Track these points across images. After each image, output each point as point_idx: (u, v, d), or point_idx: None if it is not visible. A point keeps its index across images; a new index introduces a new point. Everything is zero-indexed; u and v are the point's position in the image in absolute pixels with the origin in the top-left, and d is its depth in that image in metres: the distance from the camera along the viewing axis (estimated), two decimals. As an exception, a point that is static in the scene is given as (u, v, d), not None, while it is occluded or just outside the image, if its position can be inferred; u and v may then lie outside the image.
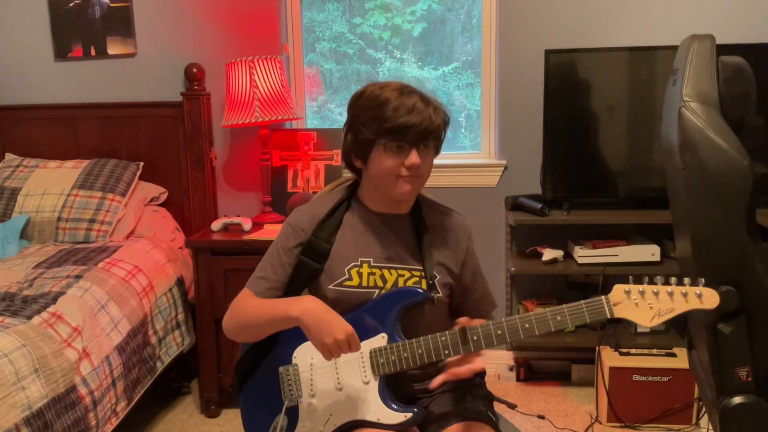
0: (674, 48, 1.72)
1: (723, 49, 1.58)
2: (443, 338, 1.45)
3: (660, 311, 1.35)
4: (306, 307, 1.45)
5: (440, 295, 1.58)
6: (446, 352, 1.45)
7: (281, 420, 1.54)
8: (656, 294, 1.35)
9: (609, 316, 1.39)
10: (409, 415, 1.47)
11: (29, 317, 2.12)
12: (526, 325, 1.41)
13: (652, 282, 1.37)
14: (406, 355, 1.47)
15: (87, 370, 2.19)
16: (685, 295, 1.34)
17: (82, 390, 2.15)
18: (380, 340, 1.50)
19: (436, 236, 1.62)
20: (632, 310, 1.37)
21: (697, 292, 1.34)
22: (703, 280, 1.36)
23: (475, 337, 1.43)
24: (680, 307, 1.35)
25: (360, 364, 1.51)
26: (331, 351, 1.42)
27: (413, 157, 1.48)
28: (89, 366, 2.21)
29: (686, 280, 1.37)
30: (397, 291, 1.55)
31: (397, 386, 1.53)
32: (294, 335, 1.55)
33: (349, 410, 1.50)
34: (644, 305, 1.36)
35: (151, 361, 2.66)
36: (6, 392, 1.84)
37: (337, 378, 1.52)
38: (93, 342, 2.27)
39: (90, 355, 2.22)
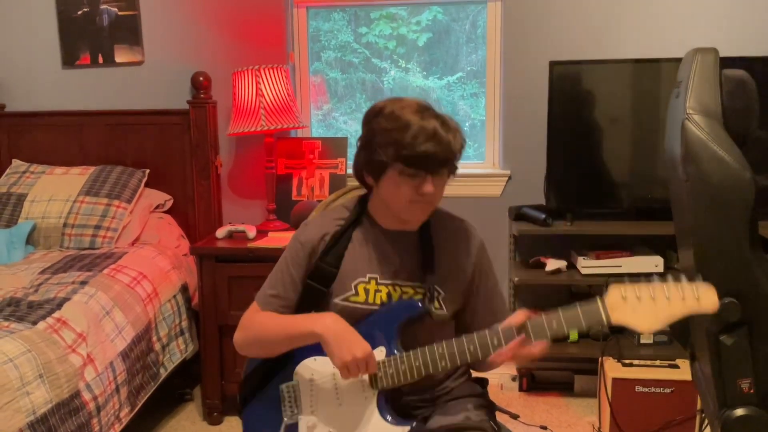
0: (678, 60, 1.73)
1: (726, 62, 1.59)
2: (440, 350, 1.44)
3: (658, 317, 1.31)
4: (327, 323, 1.46)
5: (444, 312, 1.56)
6: (443, 363, 1.44)
7: None
8: (653, 299, 1.31)
9: (606, 323, 1.35)
10: (407, 428, 1.46)
11: (34, 323, 2.13)
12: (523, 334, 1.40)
13: (648, 281, 1.33)
14: (403, 368, 1.45)
15: (91, 376, 2.20)
16: (683, 299, 1.30)
17: (86, 396, 2.16)
18: (378, 353, 1.48)
19: (444, 251, 1.60)
20: (629, 316, 1.33)
21: (696, 294, 1.30)
22: (701, 276, 1.33)
23: (471, 348, 1.42)
24: (679, 311, 1.30)
25: (360, 379, 1.49)
26: (349, 369, 1.42)
27: (428, 186, 1.45)
28: (93, 372, 2.22)
29: (684, 278, 1.32)
30: (396, 304, 1.54)
31: (397, 397, 1.52)
32: (295, 354, 1.56)
33: (348, 426, 1.49)
34: (642, 310, 1.32)
35: (154, 368, 2.67)
36: (11, 397, 1.85)
37: (337, 394, 1.52)
38: (97, 348, 2.28)
39: (94, 361, 2.23)
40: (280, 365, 1.60)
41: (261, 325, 1.58)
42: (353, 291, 1.56)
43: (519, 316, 1.42)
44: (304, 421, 1.54)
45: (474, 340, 1.43)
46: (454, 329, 1.63)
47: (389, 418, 1.47)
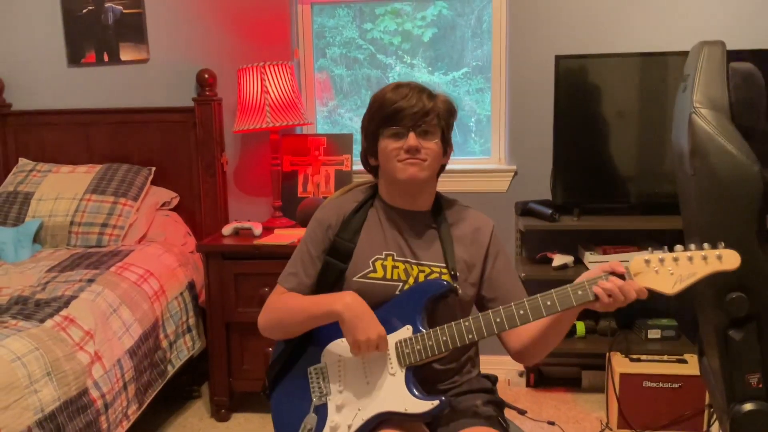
0: (685, 54, 1.72)
1: (733, 55, 1.58)
2: (467, 323, 1.48)
3: (681, 277, 1.34)
4: (347, 302, 1.52)
5: (462, 292, 1.60)
6: (470, 336, 1.48)
7: (310, 419, 1.58)
8: (676, 260, 1.35)
9: None
10: (436, 402, 1.48)
11: (42, 321, 2.14)
12: (548, 303, 1.43)
13: (672, 250, 1.36)
14: (430, 343, 1.49)
15: (99, 374, 2.21)
16: (705, 258, 1.33)
17: (94, 393, 2.16)
18: (405, 331, 1.53)
19: (457, 234, 1.65)
20: (653, 279, 1.36)
21: (717, 254, 1.33)
22: (722, 243, 1.34)
23: (498, 320, 1.46)
24: (701, 270, 1.34)
25: (387, 357, 1.53)
26: (360, 347, 1.49)
27: (410, 140, 1.55)
28: (101, 369, 2.22)
29: (705, 244, 1.35)
30: (422, 283, 1.59)
31: (421, 383, 1.54)
32: (321, 336, 1.61)
33: (377, 403, 1.52)
34: (665, 272, 1.35)
35: (162, 365, 2.68)
36: (19, 395, 1.86)
37: (365, 372, 1.55)
38: (105, 345, 2.28)
39: (102, 359, 2.24)
40: (303, 349, 1.64)
41: (283, 305, 1.63)
42: (371, 267, 1.60)
43: (597, 270, 1.44)
44: (333, 401, 1.57)
45: (500, 312, 1.47)
46: (473, 309, 1.66)
47: (417, 393, 1.50)
